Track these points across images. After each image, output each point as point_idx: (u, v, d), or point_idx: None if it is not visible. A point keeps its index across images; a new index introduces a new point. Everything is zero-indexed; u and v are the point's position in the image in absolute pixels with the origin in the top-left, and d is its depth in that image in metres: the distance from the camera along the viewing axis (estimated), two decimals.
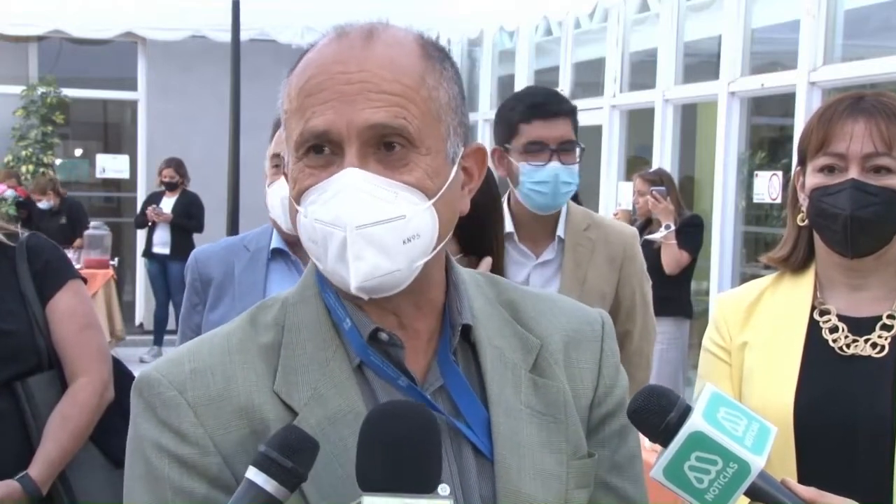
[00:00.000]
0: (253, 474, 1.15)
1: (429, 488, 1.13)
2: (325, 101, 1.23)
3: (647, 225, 7.23)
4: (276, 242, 2.80)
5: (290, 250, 2.79)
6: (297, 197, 1.27)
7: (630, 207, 7.70)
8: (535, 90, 3.36)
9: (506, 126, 3.06)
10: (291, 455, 1.15)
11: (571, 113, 3.08)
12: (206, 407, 1.25)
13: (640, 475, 1.43)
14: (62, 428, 2.62)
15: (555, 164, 2.98)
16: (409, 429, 1.14)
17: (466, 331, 1.34)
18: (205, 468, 1.22)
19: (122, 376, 2.83)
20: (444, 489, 1.24)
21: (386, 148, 1.23)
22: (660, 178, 7.18)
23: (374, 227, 1.22)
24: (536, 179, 3.00)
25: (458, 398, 1.31)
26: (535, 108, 3.02)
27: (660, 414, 1.23)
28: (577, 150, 3.05)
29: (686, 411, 1.23)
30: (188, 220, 10.60)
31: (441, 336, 1.33)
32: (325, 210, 1.23)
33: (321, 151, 1.24)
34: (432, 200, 1.25)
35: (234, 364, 1.28)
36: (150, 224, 10.69)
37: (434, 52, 1.30)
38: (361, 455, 1.14)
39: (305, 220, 1.25)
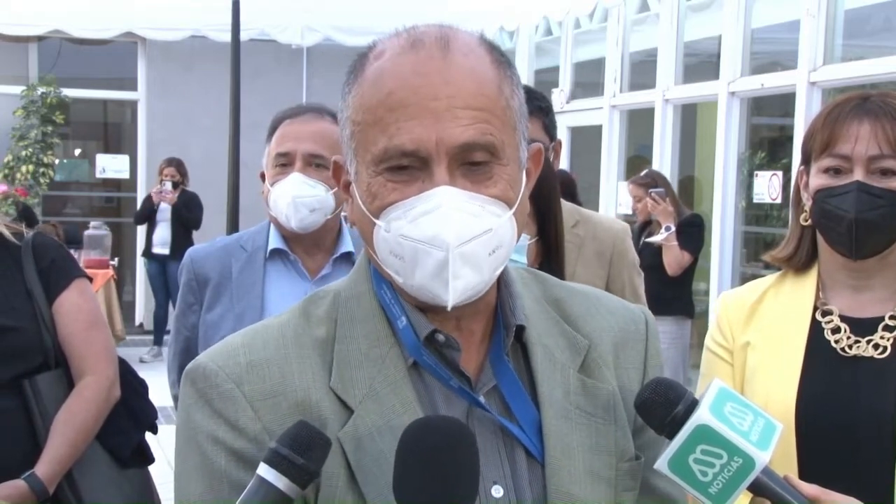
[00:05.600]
0: (264, 471, 1.14)
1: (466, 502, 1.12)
2: (411, 118, 1.21)
3: (645, 227, 7.20)
4: (274, 242, 2.77)
5: (290, 249, 2.77)
6: (377, 211, 1.25)
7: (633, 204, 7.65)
8: None
9: None
10: (303, 452, 1.14)
11: None
12: (263, 402, 1.24)
13: None
14: (69, 426, 2.61)
15: None
16: (444, 444, 1.13)
17: (518, 331, 1.33)
18: None
19: (127, 376, 2.83)
20: (497, 490, 1.26)
21: (471, 162, 1.23)
22: (653, 180, 7.12)
23: (469, 245, 1.21)
24: None
25: (510, 399, 1.31)
26: None
27: (667, 406, 1.24)
28: None
29: (693, 404, 1.23)
30: (187, 212, 10.57)
31: (494, 336, 1.33)
32: (414, 227, 1.22)
33: (403, 166, 1.23)
34: (512, 210, 1.26)
35: (291, 358, 1.28)
36: (153, 208, 10.59)
37: (501, 58, 1.30)
38: (398, 469, 1.13)
39: (387, 235, 1.24)
